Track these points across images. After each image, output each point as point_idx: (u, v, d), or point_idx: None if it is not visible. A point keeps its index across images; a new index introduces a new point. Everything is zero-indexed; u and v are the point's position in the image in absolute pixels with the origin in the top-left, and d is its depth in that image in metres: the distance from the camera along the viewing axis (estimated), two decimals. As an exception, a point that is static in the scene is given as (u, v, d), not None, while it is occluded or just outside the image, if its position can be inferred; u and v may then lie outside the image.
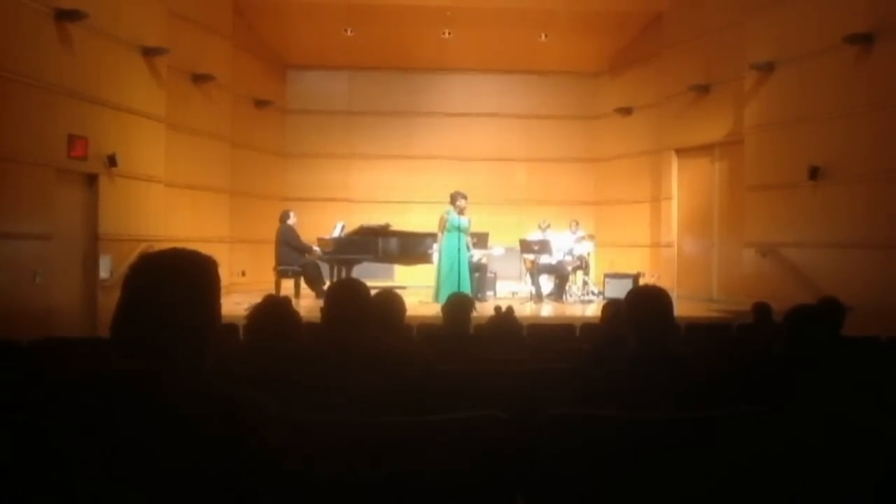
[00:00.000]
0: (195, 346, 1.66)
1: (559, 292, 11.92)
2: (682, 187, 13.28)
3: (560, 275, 11.94)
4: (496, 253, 12.39)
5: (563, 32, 13.99)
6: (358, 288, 2.96)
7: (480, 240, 11.70)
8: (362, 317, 2.85)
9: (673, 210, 13.36)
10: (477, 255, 11.44)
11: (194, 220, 11.48)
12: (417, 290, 11.32)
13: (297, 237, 11.26)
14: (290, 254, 11.13)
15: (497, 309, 6.66)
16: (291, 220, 11.40)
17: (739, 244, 11.35)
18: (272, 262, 11.24)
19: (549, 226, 12.16)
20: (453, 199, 10.81)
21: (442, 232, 10.87)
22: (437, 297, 10.46)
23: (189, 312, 1.64)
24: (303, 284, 11.22)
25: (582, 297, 12.15)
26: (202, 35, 11.85)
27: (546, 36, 14.13)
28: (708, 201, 12.66)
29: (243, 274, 12.27)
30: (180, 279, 1.66)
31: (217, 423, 1.58)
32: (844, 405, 2.80)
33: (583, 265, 12.40)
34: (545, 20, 13.62)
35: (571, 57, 14.79)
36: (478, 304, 7.33)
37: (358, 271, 10.57)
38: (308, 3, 13.17)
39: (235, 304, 8.51)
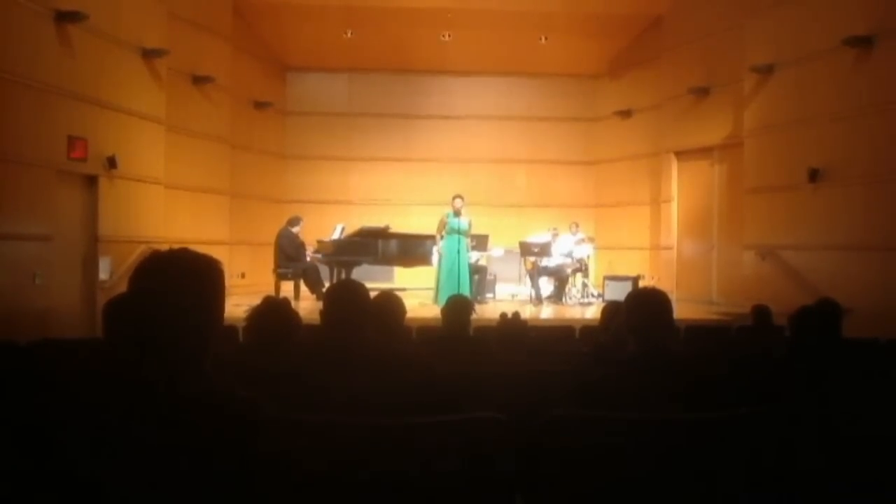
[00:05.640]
0: (197, 348, 1.66)
1: (559, 294, 11.93)
2: (681, 190, 13.29)
3: (560, 277, 11.95)
4: (495, 254, 12.39)
5: (562, 35, 14.00)
6: (357, 289, 2.95)
7: (480, 242, 11.68)
8: (361, 318, 2.84)
9: (672, 212, 13.37)
10: (475, 256, 11.44)
11: (194, 221, 11.47)
12: (417, 292, 11.33)
13: (292, 243, 11.22)
14: (285, 259, 11.14)
15: (503, 315, 6.67)
16: (295, 227, 11.39)
17: (739, 246, 11.35)
18: (272, 264, 11.25)
19: (557, 234, 12.21)
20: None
21: (441, 234, 10.88)
22: (436, 300, 10.47)
23: (192, 313, 1.65)
24: (302, 286, 11.22)
25: (581, 300, 12.17)
26: (202, 37, 11.86)
27: (546, 38, 14.14)
28: (707, 204, 12.67)
29: (243, 276, 12.26)
30: (186, 279, 1.66)
31: (216, 425, 1.58)
32: (843, 407, 2.80)
33: (582, 267, 12.41)
34: (545, 22, 13.63)
35: (571, 59, 14.80)
36: (477, 307, 7.35)
37: (358, 273, 10.56)
38: (308, 5, 13.17)
39: (235, 305, 8.51)
